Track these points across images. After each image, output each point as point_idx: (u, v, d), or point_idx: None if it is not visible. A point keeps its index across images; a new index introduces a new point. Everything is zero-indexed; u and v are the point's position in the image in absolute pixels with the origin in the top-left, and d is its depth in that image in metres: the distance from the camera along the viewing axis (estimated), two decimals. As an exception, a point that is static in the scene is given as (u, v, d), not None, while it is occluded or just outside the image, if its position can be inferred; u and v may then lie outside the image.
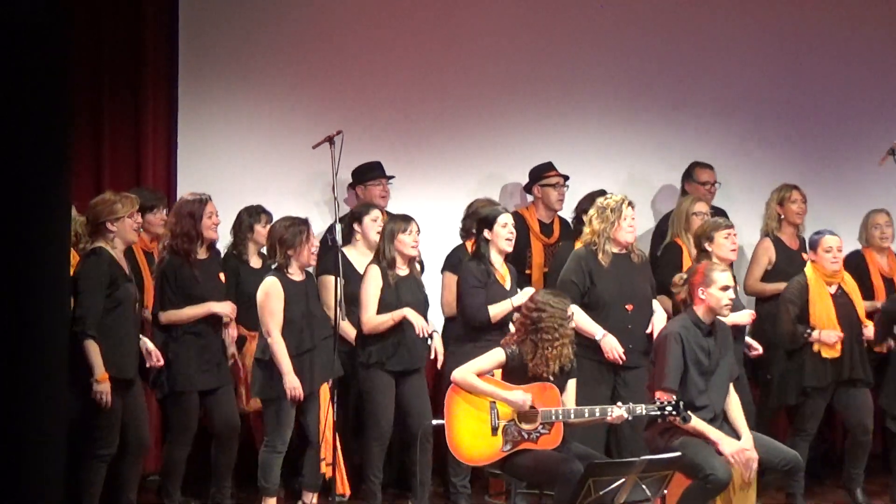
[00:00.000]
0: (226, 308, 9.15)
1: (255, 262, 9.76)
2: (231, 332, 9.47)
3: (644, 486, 8.17)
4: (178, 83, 10.77)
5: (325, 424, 9.36)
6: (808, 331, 9.97)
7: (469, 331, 9.61)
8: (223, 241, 10.03)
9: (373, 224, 9.82)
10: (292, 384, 8.96)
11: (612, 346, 9.40)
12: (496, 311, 9.51)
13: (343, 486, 9.49)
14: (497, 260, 9.73)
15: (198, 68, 10.79)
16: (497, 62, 11.38)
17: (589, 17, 11.52)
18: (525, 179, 11.12)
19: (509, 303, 9.47)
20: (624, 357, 9.45)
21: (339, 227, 9.31)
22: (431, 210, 10.73)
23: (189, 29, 10.73)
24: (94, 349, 8.65)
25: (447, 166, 11.19)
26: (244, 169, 10.67)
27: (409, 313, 9.46)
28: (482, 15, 11.33)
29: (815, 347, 10.01)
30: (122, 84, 10.69)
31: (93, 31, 10.22)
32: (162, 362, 9.05)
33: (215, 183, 10.28)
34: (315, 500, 9.35)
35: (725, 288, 8.77)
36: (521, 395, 8.39)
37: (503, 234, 9.65)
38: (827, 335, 9.96)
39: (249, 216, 9.87)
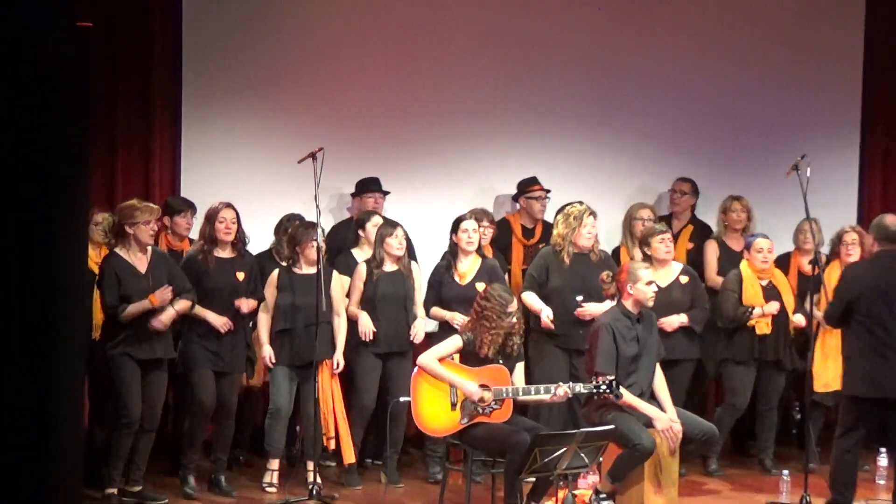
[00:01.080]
0: (218, 321, 9.09)
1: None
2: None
3: (583, 455, 8.22)
4: (182, 103, 10.68)
5: (325, 402, 9.46)
6: (749, 310, 10.06)
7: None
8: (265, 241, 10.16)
9: (374, 229, 9.82)
10: (268, 353, 9.31)
11: (546, 315, 9.55)
12: (438, 313, 9.79)
13: (350, 455, 9.62)
14: (463, 259, 9.85)
15: (199, 90, 10.71)
16: (477, 82, 11.30)
17: (567, 43, 11.43)
18: (509, 190, 11.15)
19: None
20: (551, 320, 9.60)
21: (320, 230, 9.36)
22: (415, 218, 10.71)
23: (191, 56, 10.65)
24: (129, 313, 8.79)
25: (429, 179, 11.12)
26: (240, 179, 10.58)
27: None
28: (464, 38, 11.24)
29: (752, 323, 10.10)
30: (132, 103, 10.61)
31: (107, 58, 10.15)
32: (159, 326, 9.01)
33: (214, 190, 10.24)
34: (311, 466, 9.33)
35: (650, 283, 8.90)
36: (474, 388, 8.45)
37: (463, 238, 9.80)
38: (769, 306, 10.10)
39: (287, 221, 9.85)
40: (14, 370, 7.98)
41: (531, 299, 9.46)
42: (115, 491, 8.90)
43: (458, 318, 9.44)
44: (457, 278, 9.77)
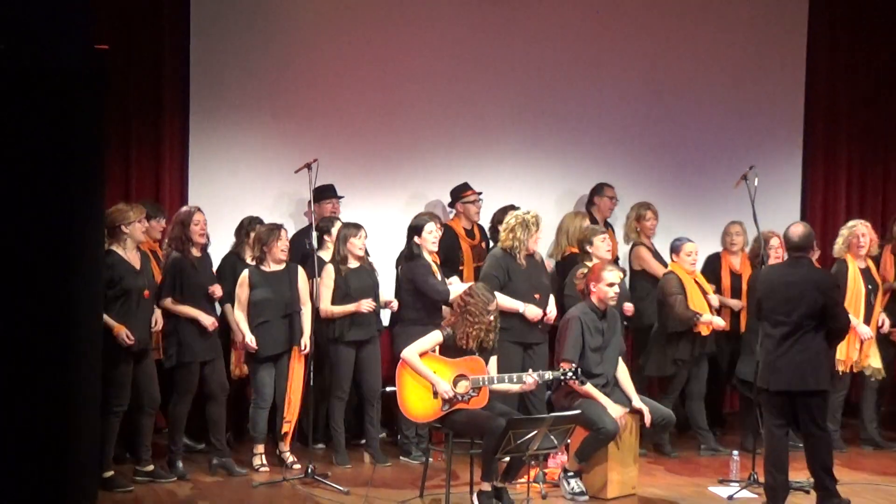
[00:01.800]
0: (207, 321, 9.09)
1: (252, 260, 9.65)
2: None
3: (552, 437, 8.23)
4: (189, 116, 10.69)
5: (291, 389, 9.54)
6: (698, 315, 10.03)
7: (419, 314, 9.70)
8: (227, 243, 10.03)
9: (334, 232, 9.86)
10: (250, 339, 9.30)
11: (534, 313, 9.52)
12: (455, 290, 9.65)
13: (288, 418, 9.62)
14: (428, 258, 9.85)
15: (205, 105, 10.70)
16: (438, 105, 11.33)
17: (506, 67, 11.43)
18: (439, 196, 11.17)
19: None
20: (548, 314, 9.64)
21: (314, 234, 9.47)
22: (384, 219, 10.76)
23: (198, 75, 10.66)
24: (107, 318, 8.70)
25: (397, 186, 11.12)
26: (242, 186, 10.59)
27: (361, 304, 9.59)
28: (423, 71, 11.27)
29: (697, 329, 10.10)
30: (145, 116, 10.62)
31: (123, 76, 10.12)
32: (159, 327, 9.12)
33: (219, 196, 10.40)
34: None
35: (611, 284, 8.95)
36: (447, 387, 8.44)
37: (429, 239, 9.81)
38: (718, 321, 10.16)
39: (249, 224, 9.82)
40: (36, 351, 8.02)
41: (505, 301, 9.36)
42: (112, 472, 8.88)
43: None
44: (434, 274, 9.79)
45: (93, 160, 8.54)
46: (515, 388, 8.66)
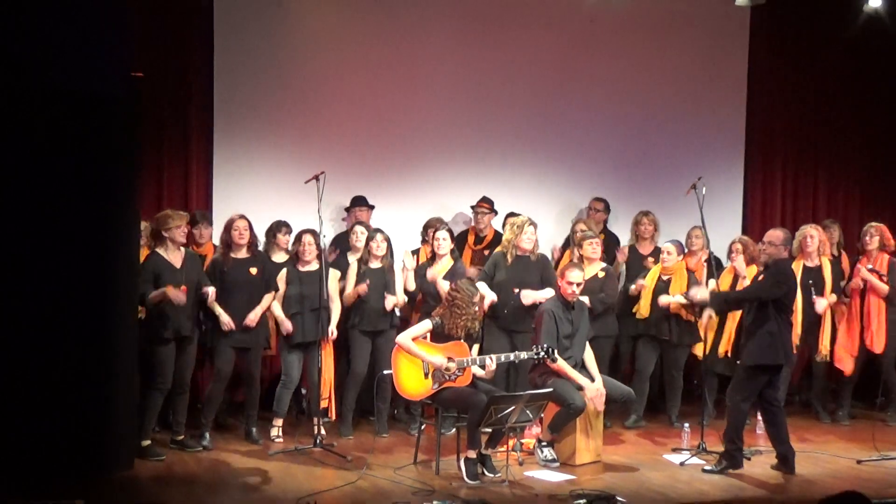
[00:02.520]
0: (224, 319, 9.13)
1: (278, 258, 9.72)
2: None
3: (528, 412, 8.31)
4: (214, 135, 10.70)
5: (325, 373, 9.55)
6: (640, 286, 10.30)
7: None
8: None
9: (362, 237, 9.91)
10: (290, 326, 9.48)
11: (488, 298, 9.48)
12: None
13: (330, 406, 9.67)
14: (444, 263, 9.95)
15: (228, 125, 10.71)
16: (444, 121, 11.33)
17: (510, 91, 11.46)
18: (461, 206, 11.23)
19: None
20: (494, 299, 9.60)
21: (322, 238, 9.50)
22: (396, 225, 10.71)
23: (221, 98, 10.68)
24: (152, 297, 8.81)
25: (406, 196, 11.10)
26: (259, 195, 10.56)
27: (359, 288, 9.71)
28: (430, 91, 11.29)
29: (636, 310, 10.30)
30: (174, 134, 10.63)
31: (155, 100, 10.13)
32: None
33: (239, 204, 10.25)
34: (316, 421, 9.36)
35: (571, 283, 9.05)
36: (442, 360, 8.52)
37: (443, 243, 9.96)
38: (676, 298, 10.16)
39: (276, 227, 9.80)
40: (81, 338, 8.08)
41: (481, 288, 9.34)
42: (149, 442, 8.91)
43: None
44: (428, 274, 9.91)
45: (129, 172, 8.61)
46: (492, 365, 8.63)
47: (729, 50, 12.13)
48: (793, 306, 8.84)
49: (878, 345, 10.45)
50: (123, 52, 8.14)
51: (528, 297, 9.62)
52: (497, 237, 10.58)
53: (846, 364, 10.63)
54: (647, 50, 11.81)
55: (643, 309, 10.29)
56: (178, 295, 8.77)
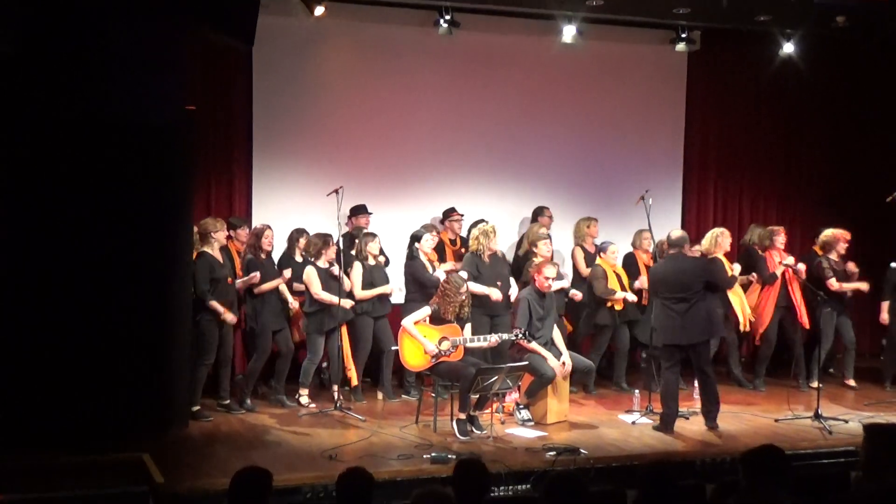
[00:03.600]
0: (228, 317, 9.07)
1: (298, 258, 9.69)
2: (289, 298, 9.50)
3: (508, 381, 8.36)
4: (253, 154, 10.67)
5: (345, 350, 9.59)
6: (613, 292, 10.14)
7: (420, 294, 9.69)
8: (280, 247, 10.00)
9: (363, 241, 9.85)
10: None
11: (497, 295, 9.56)
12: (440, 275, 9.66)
13: (355, 380, 9.70)
14: (423, 258, 9.91)
15: (265, 148, 10.66)
16: (434, 143, 11.26)
17: (481, 119, 11.39)
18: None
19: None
20: (510, 295, 9.63)
21: (341, 240, 9.52)
22: (396, 230, 10.69)
23: (259, 125, 10.63)
24: (214, 303, 8.87)
25: (407, 206, 11.03)
26: (290, 205, 10.52)
27: (384, 288, 9.76)
28: (424, 118, 11.22)
29: (610, 304, 10.21)
30: (221, 154, 10.59)
31: (206, 127, 10.11)
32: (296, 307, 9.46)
33: (275, 211, 10.36)
34: (336, 388, 9.42)
35: (547, 278, 9.06)
36: (432, 347, 8.59)
37: (426, 245, 9.96)
38: (629, 294, 10.24)
39: (297, 234, 9.78)
40: (147, 320, 8.12)
41: (478, 287, 9.44)
42: (198, 407, 8.96)
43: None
44: (427, 270, 9.87)
45: (184, 188, 8.63)
46: (484, 345, 8.76)
47: (670, 85, 12.11)
48: (678, 294, 8.69)
49: (806, 322, 10.54)
50: (180, 90, 8.16)
51: (511, 292, 9.71)
52: (464, 239, 10.60)
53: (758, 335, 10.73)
54: (603, 86, 11.78)
55: (618, 303, 10.25)
56: (231, 318, 9.02)
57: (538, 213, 11.05)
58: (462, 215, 10.84)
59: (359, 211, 10.38)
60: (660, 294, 8.77)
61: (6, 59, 6.62)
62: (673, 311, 8.63)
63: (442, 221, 10.89)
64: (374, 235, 9.87)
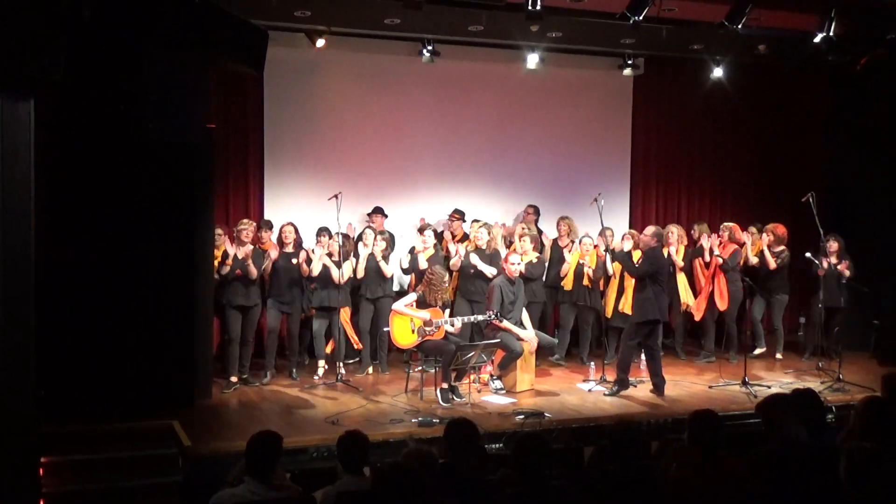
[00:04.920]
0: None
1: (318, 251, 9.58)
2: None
3: (484, 355, 8.39)
4: (265, 164, 10.60)
5: (349, 327, 9.62)
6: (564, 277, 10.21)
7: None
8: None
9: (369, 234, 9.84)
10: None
11: (492, 273, 9.48)
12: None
13: (358, 345, 9.70)
14: (428, 251, 9.83)
15: (275, 157, 10.60)
16: (424, 154, 11.20)
17: (474, 130, 11.35)
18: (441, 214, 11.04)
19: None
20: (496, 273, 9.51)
21: (340, 238, 9.41)
22: (397, 226, 10.67)
23: (270, 139, 10.57)
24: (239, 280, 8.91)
25: (396, 208, 10.89)
26: (297, 208, 10.45)
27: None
28: (416, 131, 11.16)
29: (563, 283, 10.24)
30: (237, 164, 10.53)
31: (223, 142, 10.00)
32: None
33: (285, 212, 10.25)
34: (339, 364, 9.38)
35: (512, 263, 9.07)
36: (428, 315, 8.54)
37: (429, 240, 9.90)
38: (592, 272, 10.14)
39: (320, 231, 9.68)
40: (176, 307, 8.09)
41: (477, 261, 9.52)
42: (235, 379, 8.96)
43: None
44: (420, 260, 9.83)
45: (206, 194, 8.61)
46: (458, 325, 8.72)
47: (619, 104, 12.07)
48: (665, 279, 8.89)
49: (721, 304, 10.52)
50: (203, 111, 8.12)
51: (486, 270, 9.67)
52: (465, 235, 10.54)
53: (698, 315, 10.69)
54: (562, 105, 11.75)
55: (567, 283, 10.27)
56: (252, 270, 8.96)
57: (525, 211, 11.13)
58: (461, 215, 10.72)
59: (376, 211, 10.34)
60: (654, 277, 8.71)
61: (55, 86, 6.63)
62: (658, 293, 8.65)
63: (449, 218, 10.80)
64: (382, 232, 9.85)
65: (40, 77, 5.86)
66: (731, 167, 12.66)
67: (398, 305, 8.72)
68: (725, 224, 10.74)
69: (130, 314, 7.82)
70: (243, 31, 7.97)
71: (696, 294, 10.63)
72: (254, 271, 8.98)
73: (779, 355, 10.80)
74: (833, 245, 10.46)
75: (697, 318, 10.64)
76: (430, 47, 10.34)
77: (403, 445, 5.75)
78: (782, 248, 10.54)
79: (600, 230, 10.19)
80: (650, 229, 9.00)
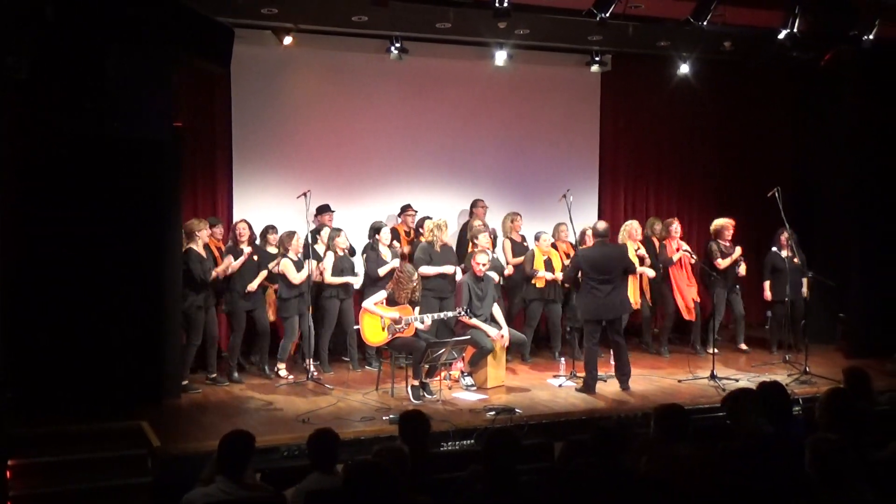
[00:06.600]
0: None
1: (271, 250, 9.57)
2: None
3: (454, 352, 8.41)
4: (233, 163, 10.52)
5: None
6: (536, 272, 10.14)
7: (372, 282, 9.71)
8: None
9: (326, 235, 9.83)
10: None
11: (451, 270, 9.53)
12: (383, 271, 9.65)
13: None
14: (384, 249, 9.85)
15: (243, 155, 10.52)
16: (388, 150, 11.16)
17: (433, 128, 11.33)
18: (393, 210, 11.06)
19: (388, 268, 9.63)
20: (453, 271, 9.57)
21: (309, 235, 9.39)
22: (357, 224, 10.61)
23: (238, 136, 10.49)
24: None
25: (365, 204, 10.93)
26: (266, 205, 10.40)
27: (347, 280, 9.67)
28: (380, 128, 11.10)
29: (534, 281, 10.17)
30: (205, 162, 10.45)
31: (191, 139, 9.87)
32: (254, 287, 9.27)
33: (253, 211, 10.20)
34: (309, 362, 9.33)
35: (478, 263, 9.09)
36: (396, 315, 8.53)
37: (385, 237, 9.90)
38: (548, 274, 10.15)
39: (266, 230, 9.66)
40: (143, 306, 8.05)
41: (429, 269, 9.38)
42: (186, 381, 8.87)
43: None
44: (384, 259, 9.83)
45: (174, 192, 8.57)
46: (428, 322, 8.73)
47: (587, 101, 12.12)
48: (614, 276, 8.82)
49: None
50: (169, 109, 8.08)
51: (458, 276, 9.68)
52: (416, 231, 10.53)
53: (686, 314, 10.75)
54: (530, 101, 11.78)
55: (539, 282, 10.23)
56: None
57: (474, 205, 11.02)
58: (416, 211, 10.78)
59: (323, 210, 10.27)
60: (588, 276, 8.79)
61: (20, 84, 6.62)
62: (598, 291, 8.70)
63: (398, 216, 10.82)
64: (339, 231, 9.80)
65: (5, 76, 5.83)
66: (698, 162, 12.76)
67: (367, 304, 8.73)
68: (668, 221, 10.88)
69: (97, 313, 7.77)
70: (209, 29, 7.92)
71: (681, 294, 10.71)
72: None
73: (744, 346, 10.94)
74: (783, 236, 10.49)
75: (686, 316, 10.74)
76: (398, 44, 10.33)
77: (375, 443, 5.77)
78: (727, 243, 10.70)
79: (554, 227, 10.29)
80: (589, 230, 9.14)
